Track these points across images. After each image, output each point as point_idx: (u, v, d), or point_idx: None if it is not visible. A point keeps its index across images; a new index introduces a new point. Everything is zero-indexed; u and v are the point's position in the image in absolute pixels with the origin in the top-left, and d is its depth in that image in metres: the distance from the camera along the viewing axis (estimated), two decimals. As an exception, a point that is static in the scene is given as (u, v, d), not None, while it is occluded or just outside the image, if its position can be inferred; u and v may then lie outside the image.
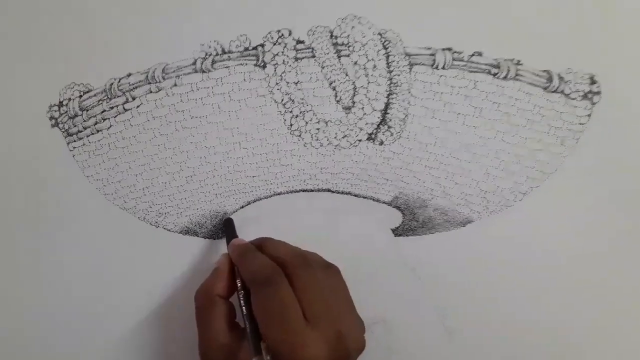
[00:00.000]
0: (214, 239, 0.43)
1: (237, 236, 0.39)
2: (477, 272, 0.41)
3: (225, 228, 0.41)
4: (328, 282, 0.31)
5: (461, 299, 0.41)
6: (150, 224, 0.41)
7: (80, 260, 0.40)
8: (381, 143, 0.40)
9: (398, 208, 0.43)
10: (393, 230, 0.44)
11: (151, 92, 0.37)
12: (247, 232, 0.40)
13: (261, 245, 0.35)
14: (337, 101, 0.38)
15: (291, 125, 0.39)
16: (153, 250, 0.41)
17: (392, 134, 0.39)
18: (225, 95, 0.37)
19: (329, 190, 0.43)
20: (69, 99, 0.37)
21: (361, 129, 0.39)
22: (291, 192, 0.42)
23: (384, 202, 0.46)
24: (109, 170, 0.39)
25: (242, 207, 0.43)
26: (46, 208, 0.38)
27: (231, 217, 0.42)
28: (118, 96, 0.37)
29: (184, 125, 0.38)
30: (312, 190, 0.42)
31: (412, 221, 0.44)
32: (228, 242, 0.38)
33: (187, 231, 0.42)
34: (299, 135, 0.39)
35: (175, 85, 0.37)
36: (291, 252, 0.33)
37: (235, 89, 0.37)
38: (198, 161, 0.39)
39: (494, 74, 0.37)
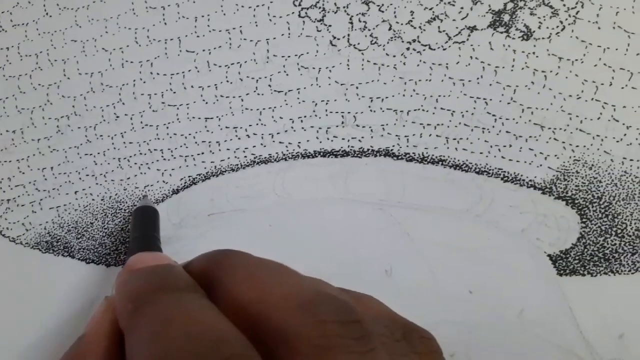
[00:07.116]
0: (110, 265, 0.26)
1: (157, 244, 0.21)
2: None
3: (134, 224, 0.23)
4: None
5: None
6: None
7: None
8: (527, 36, 0.23)
9: (567, 200, 0.24)
10: (554, 259, 0.25)
11: None
12: (186, 251, 0.22)
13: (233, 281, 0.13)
14: None
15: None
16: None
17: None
18: None
19: (389, 154, 0.25)
20: None
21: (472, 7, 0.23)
22: (302, 156, 0.25)
23: (531, 186, 0.24)
24: None
25: (178, 190, 0.25)
26: None
27: (153, 205, 0.25)
28: None
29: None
30: (346, 154, 0.25)
31: (602, 236, 0.24)
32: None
33: (51, 245, 0.26)
34: (320, 20, 0.23)
35: None
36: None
37: None
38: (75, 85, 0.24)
39: None
